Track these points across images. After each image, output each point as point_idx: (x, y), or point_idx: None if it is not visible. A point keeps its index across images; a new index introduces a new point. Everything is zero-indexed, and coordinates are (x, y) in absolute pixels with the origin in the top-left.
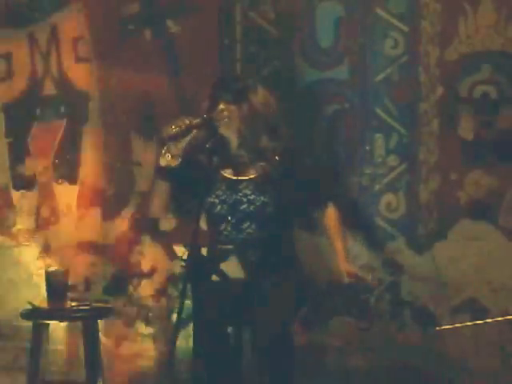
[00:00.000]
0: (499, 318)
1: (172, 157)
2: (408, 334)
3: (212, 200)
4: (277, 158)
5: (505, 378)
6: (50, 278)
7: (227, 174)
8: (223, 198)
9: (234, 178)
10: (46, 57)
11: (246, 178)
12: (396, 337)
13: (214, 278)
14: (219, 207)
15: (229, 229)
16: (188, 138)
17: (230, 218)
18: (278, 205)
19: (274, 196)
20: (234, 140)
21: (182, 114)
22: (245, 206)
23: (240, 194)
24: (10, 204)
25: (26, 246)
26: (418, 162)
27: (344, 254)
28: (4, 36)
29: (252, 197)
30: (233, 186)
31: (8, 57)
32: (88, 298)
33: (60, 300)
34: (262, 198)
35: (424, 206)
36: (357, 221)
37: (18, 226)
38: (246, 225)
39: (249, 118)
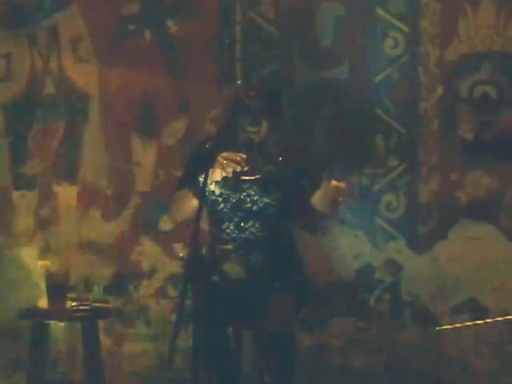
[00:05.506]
0: (499, 318)
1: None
2: (408, 333)
3: (215, 198)
4: (280, 158)
5: (505, 378)
6: (49, 278)
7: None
8: (226, 196)
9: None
10: (45, 57)
11: (251, 178)
12: (396, 337)
13: (214, 277)
14: (222, 205)
15: (231, 227)
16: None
17: (232, 216)
18: (281, 206)
19: (277, 197)
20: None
21: (182, 114)
22: (248, 205)
23: (244, 194)
24: (10, 204)
25: (26, 245)
26: (417, 161)
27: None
28: (4, 36)
29: (256, 197)
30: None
31: (8, 57)
32: (88, 298)
33: (60, 300)
34: (266, 200)
35: (424, 206)
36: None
37: (18, 226)
38: (249, 224)
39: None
